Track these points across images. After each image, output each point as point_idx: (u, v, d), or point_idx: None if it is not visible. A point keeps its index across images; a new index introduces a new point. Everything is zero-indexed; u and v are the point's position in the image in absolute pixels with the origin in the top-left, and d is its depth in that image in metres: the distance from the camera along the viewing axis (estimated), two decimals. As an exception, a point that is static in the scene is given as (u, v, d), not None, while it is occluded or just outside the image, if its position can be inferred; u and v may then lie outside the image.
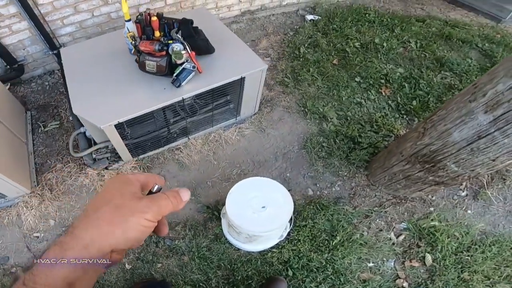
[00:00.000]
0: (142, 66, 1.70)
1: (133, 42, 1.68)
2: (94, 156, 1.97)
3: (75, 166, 1.99)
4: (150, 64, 1.67)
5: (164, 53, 1.65)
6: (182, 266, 1.70)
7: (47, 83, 2.43)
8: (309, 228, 1.80)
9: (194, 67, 1.70)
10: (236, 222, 1.45)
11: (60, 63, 2.26)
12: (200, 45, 1.76)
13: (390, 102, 2.47)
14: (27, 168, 1.93)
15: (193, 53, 1.71)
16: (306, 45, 2.79)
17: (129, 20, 1.70)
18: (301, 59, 2.68)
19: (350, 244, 1.76)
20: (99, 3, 2.21)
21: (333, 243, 1.76)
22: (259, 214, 1.47)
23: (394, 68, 2.69)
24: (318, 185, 2.03)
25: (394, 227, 1.88)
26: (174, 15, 2.06)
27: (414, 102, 2.42)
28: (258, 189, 1.53)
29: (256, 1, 2.98)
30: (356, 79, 2.57)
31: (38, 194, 1.88)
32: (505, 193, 2.04)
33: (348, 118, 2.33)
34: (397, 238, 1.84)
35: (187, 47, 1.66)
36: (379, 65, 2.69)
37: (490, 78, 1.12)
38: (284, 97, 2.42)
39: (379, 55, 2.78)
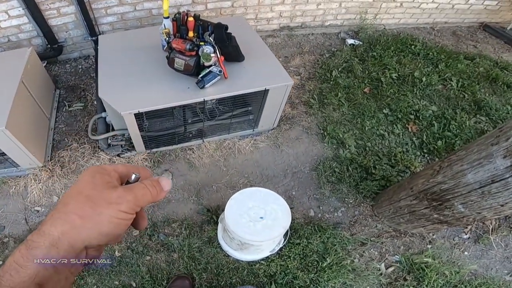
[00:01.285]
0: (170, 63, 1.73)
1: (167, 38, 1.72)
2: (109, 141, 2.01)
3: (89, 148, 2.03)
4: (179, 61, 1.70)
5: (194, 53, 1.68)
6: (170, 262, 1.69)
7: (80, 67, 2.53)
8: (302, 246, 1.76)
9: (220, 71, 1.72)
10: (231, 227, 1.44)
11: (96, 50, 2.35)
12: (230, 51, 1.78)
13: (414, 139, 2.38)
14: (44, 142, 1.99)
15: (222, 57, 1.73)
16: (340, 69, 2.76)
17: (168, 17, 1.75)
18: (331, 82, 2.65)
19: (339, 268, 1.70)
20: (143, -2, 2.30)
21: (322, 265, 1.71)
22: (255, 223, 1.46)
23: (427, 105, 2.60)
24: (321, 208, 1.97)
25: (387, 259, 1.81)
26: (211, 20, 2.12)
27: (440, 143, 2.32)
28: (260, 200, 1.52)
29: (297, 18, 3.01)
30: (384, 110, 2.50)
31: (49, 169, 1.93)
32: (508, 240, 1.95)
33: (367, 148, 2.26)
34: (386, 269, 1.77)
35: (217, 50, 1.69)
36: (412, 100, 2.61)
37: None
38: (306, 117, 2.38)
39: (415, 90, 2.70)
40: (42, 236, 0.33)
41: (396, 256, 1.81)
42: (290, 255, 1.71)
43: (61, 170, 1.94)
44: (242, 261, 1.71)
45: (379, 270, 1.76)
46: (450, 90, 2.78)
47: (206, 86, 1.72)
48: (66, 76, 2.46)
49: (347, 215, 1.96)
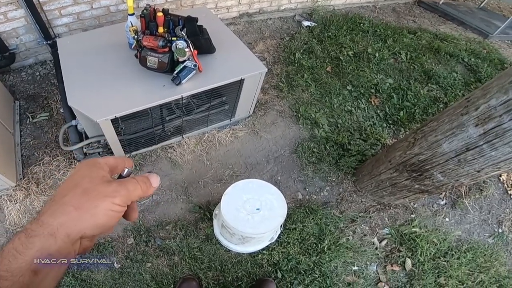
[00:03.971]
0: (143, 61, 1.69)
1: (136, 36, 1.67)
2: (85, 150, 1.93)
3: (64, 160, 1.95)
4: (152, 60, 1.67)
5: (167, 49, 1.65)
6: (173, 266, 1.69)
7: (38, 74, 2.36)
8: (299, 231, 1.84)
9: (195, 65, 1.72)
10: (231, 224, 1.46)
11: (54, 54, 2.21)
12: (203, 44, 1.78)
13: (378, 111, 2.56)
14: (13, 159, 1.87)
15: (196, 51, 1.73)
16: (301, 51, 2.86)
17: (133, 14, 1.70)
18: (296, 65, 2.74)
19: (337, 248, 1.82)
20: (98, -5, 2.18)
21: (321, 247, 1.81)
22: (253, 216, 1.48)
23: (384, 79, 2.80)
24: (307, 189, 2.08)
25: (378, 232, 1.96)
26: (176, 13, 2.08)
27: (401, 113, 2.52)
28: (253, 191, 1.55)
29: (254, 5, 3.03)
30: (348, 87, 2.65)
31: (24, 187, 1.82)
32: (481, 203, 2.17)
33: (339, 125, 2.40)
34: (380, 243, 1.92)
35: (190, 45, 1.67)
36: (370, 75, 2.79)
37: (483, 93, 1.20)
38: (278, 101, 2.46)
39: (370, 65, 2.88)
40: (41, 225, 0.35)
41: (385, 229, 1.96)
42: (289, 241, 1.80)
43: (37, 187, 1.84)
44: (244, 254, 1.75)
45: (374, 244, 1.90)
46: (401, 63, 3.01)
47: (182, 82, 1.72)
48: (24, 85, 2.28)
49: (333, 194, 2.09)
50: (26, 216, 1.78)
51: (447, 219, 2.07)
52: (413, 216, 2.03)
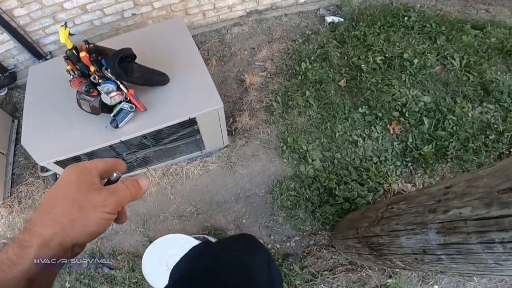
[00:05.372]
0: (78, 104, 1.58)
1: (71, 76, 1.55)
2: (57, 176, 2.00)
3: (42, 183, 2.06)
4: (84, 103, 1.54)
5: (95, 93, 1.49)
6: (113, 296, 1.71)
7: (41, 88, 2.49)
8: None
9: (132, 107, 1.53)
10: (147, 276, 1.43)
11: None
12: (138, 82, 1.55)
13: (396, 143, 1.98)
14: (3, 179, 2.05)
15: (132, 91, 1.53)
16: (312, 58, 2.34)
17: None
18: (299, 78, 2.27)
19: None
20: (78, 12, 2.10)
21: None
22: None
23: (418, 96, 2.12)
24: (272, 237, 1.80)
25: None
26: (143, 28, 1.88)
27: (428, 148, 1.90)
28: (181, 247, 1.45)
29: (264, 0, 2.56)
30: (361, 109, 2.09)
31: (9, 205, 2.01)
32: None
33: (335, 161, 1.94)
34: None
35: (121, 86, 1.48)
36: (399, 90, 2.14)
37: (464, 188, 0.81)
38: (265, 127, 2.10)
39: (403, 76, 2.21)
40: (33, 236, 0.36)
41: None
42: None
43: (18, 206, 2.01)
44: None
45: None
46: (451, 71, 2.22)
47: (119, 125, 1.56)
48: (26, 102, 2.45)
49: (301, 245, 1.77)
50: (9, 230, 1.98)
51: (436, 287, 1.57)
52: (390, 281, 1.60)
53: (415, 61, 2.25)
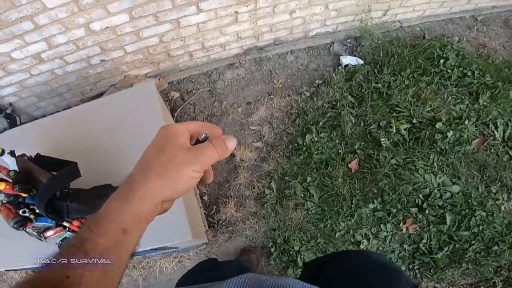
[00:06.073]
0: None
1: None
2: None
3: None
4: (28, 230, 1.26)
5: (30, 225, 1.20)
6: None
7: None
8: None
9: (78, 237, 1.23)
10: None
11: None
12: (83, 215, 1.24)
13: (406, 245, 1.65)
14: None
15: (77, 222, 1.23)
16: (320, 123, 1.88)
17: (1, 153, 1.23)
18: (302, 155, 1.83)
19: None
20: (32, 61, 1.72)
21: None
22: None
23: (446, 184, 1.71)
24: None
25: None
26: (106, 97, 1.49)
27: (442, 252, 1.57)
28: None
29: (265, 35, 2.04)
30: (372, 204, 1.70)
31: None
32: None
33: (334, 267, 1.63)
34: None
35: (59, 221, 1.18)
36: (423, 177, 1.73)
37: None
38: (253, 222, 1.75)
39: (431, 156, 1.76)
40: (132, 190, 0.38)
41: None
42: None
43: None
44: None
45: None
46: (491, 147, 1.77)
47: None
48: None
49: None
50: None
51: None
52: None
53: (449, 133, 1.78)
